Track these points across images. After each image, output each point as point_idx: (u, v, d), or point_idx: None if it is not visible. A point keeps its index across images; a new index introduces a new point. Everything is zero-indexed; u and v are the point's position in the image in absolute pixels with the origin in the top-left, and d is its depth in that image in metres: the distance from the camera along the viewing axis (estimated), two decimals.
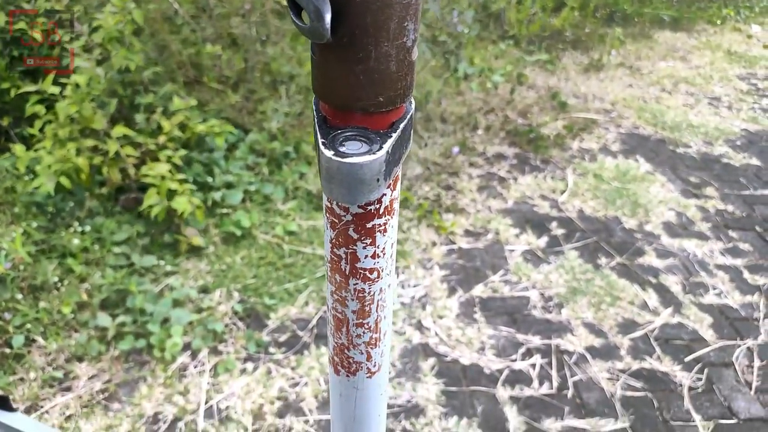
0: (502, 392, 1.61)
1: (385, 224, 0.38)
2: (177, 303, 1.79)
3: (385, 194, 0.37)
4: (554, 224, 2.34)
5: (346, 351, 0.44)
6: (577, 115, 3.28)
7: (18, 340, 1.60)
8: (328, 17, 0.31)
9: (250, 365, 1.64)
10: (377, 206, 0.37)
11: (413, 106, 0.39)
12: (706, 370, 1.72)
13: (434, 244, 2.18)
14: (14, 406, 0.80)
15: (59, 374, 1.56)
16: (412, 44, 0.34)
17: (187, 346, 1.68)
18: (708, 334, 1.85)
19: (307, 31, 0.33)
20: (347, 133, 0.35)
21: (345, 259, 0.39)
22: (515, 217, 2.38)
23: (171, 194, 1.95)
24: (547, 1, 3.96)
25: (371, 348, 0.44)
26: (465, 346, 1.75)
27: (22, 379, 1.55)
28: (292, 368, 1.64)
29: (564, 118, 3.22)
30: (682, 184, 2.70)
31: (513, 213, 2.40)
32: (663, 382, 1.68)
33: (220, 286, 1.88)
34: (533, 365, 1.70)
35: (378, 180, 0.35)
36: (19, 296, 1.70)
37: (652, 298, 1.98)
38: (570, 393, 1.63)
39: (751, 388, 1.68)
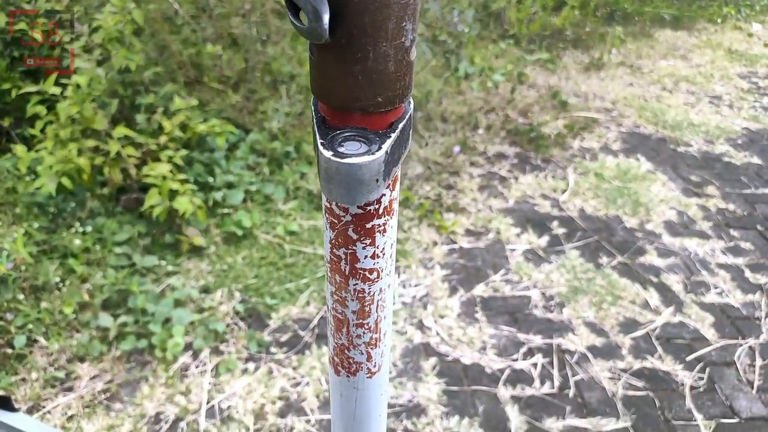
0: (504, 392, 1.61)
1: (384, 224, 0.38)
2: (178, 303, 1.79)
3: (384, 194, 0.37)
4: (555, 223, 2.34)
5: (346, 351, 0.44)
6: (578, 114, 3.27)
7: (20, 341, 1.61)
8: (326, 18, 0.31)
9: (251, 365, 1.64)
10: (376, 206, 0.37)
11: (412, 105, 0.38)
12: (707, 370, 1.72)
13: (435, 243, 2.18)
14: (16, 406, 0.80)
15: (61, 374, 1.56)
16: (411, 44, 0.34)
17: (188, 346, 1.68)
18: (709, 333, 1.85)
19: (305, 31, 0.32)
20: (346, 134, 0.35)
21: (345, 260, 0.39)
22: (516, 216, 2.38)
23: (172, 194, 1.95)
24: (547, 0, 3.96)
25: (371, 348, 0.44)
26: (466, 345, 1.75)
27: (24, 380, 1.55)
28: (294, 368, 1.64)
29: (565, 117, 3.22)
30: (683, 183, 2.70)
31: (514, 212, 2.40)
32: (664, 382, 1.67)
33: (221, 286, 1.88)
34: (534, 365, 1.70)
35: (377, 180, 0.35)
36: (21, 297, 1.70)
37: (653, 298, 1.98)
38: (571, 392, 1.63)
39: (752, 388, 1.67)
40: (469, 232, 2.26)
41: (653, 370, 1.71)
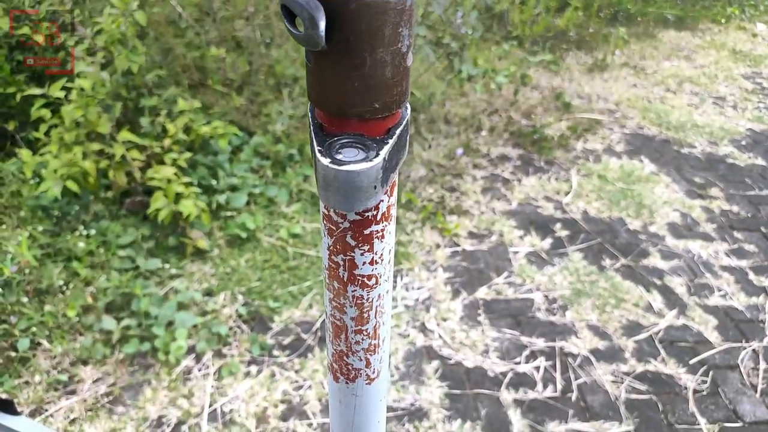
0: (506, 395, 1.61)
1: (382, 230, 0.38)
2: (182, 306, 1.79)
3: (382, 200, 0.37)
4: (558, 226, 2.34)
5: (345, 358, 0.44)
6: (581, 115, 3.27)
7: (23, 344, 1.61)
8: (322, 24, 0.31)
9: (254, 368, 1.64)
10: (374, 212, 0.37)
11: (409, 111, 0.39)
12: (711, 373, 1.71)
13: (438, 246, 2.18)
14: (19, 409, 0.80)
15: (64, 377, 1.57)
16: (407, 50, 0.34)
17: (191, 349, 1.68)
18: (713, 336, 1.84)
19: (301, 38, 0.33)
20: (343, 140, 0.35)
21: (343, 266, 0.39)
22: (519, 218, 2.37)
23: (177, 197, 1.96)
24: (550, 2, 3.96)
25: (370, 354, 0.44)
26: (469, 348, 1.75)
27: (27, 383, 1.55)
28: (296, 371, 1.64)
29: (568, 119, 3.21)
30: (686, 185, 2.69)
31: (517, 214, 2.40)
32: (668, 385, 1.67)
33: (224, 289, 1.89)
34: (537, 368, 1.70)
35: (375, 187, 0.35)
36: (25, 299, 1.71)
37: (656, 300, 1.97)
38: (574, 396, 1.62)
39: (756, 391, 1.67)
40: (472, 235, 2.26)
41: (656, 373, 1.70)
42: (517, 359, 1.72)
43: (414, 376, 1.64)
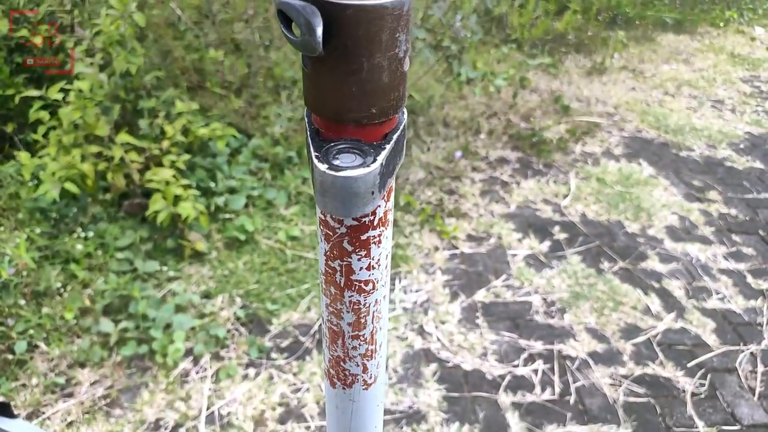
0: (504, 398, 1.61)
1: (379, 235, 0.38)
2: (179, 308, 1.79)
3: (379, 206, 0.37)
4: (557, 228, 2.34)
5: (341, 363, 0.44)
6: (580, 118, 3.27)
7: (21, 346, 1.61)
8: (319, 30, 0.31)
9: (251, 371, 1.64)
10: (371, 218, 0.37)
11: (406, 116, 0.39)
12: (709, 376, 1.71)
13: (437, 248, 2.18)
14: (16, 412, 0.80)
15: (61, 380, 1.56)
16: (404, 55, 0.34)
17: (189, 352, 1.68)
18: (711, 340, 1.85)
19: (298, 44, 0.33)
20: (340, 146, 0.35)
21: (340, 272, 0.39)
22: (518, 221, 2.37)
23: (175, 199, 1.96)
24: (549, 5, 3.97)
25: (367, 360, 0.43)
26: (467, 351, 1.75)
27: (24, 385, 1.55)
28: (294, 374, 1.64)
29: (567, 122, 3.22)
30: (685, 188, 2.69)
31: (515, 217, 2.40)
32: (666, 388, 1.67)
33: (222, 292, 1.88)
34: (535, 371, 1.70)
35: (372, 193, 0.35)
36: (22, 302, 1.70)
37: (654, 303, 1.97)
38: (572, 399, 1.62)
39: (754, 394, 1.67)
40: (470, 237, 2.26)
41: (654, 376, 1.70)
42: (516, 362, 1.72)
43: (412, 379, 1.64)
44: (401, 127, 0.37)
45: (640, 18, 4.69)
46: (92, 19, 2.14)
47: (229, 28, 2.62)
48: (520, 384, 1.65)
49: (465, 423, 1.53)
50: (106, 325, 1.68)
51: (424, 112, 2.93)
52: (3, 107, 2.22)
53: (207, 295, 1.87)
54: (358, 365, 0.44)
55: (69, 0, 2.14)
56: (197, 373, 1.62)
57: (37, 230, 1.90)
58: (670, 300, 2.00)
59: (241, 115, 2.53)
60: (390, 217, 0.39)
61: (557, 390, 1.64)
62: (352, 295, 0.40)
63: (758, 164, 2.97)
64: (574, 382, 1.67)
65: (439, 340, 1.78)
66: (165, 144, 2.05)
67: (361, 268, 0.39)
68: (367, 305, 0.41)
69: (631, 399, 1.63)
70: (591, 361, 1.74)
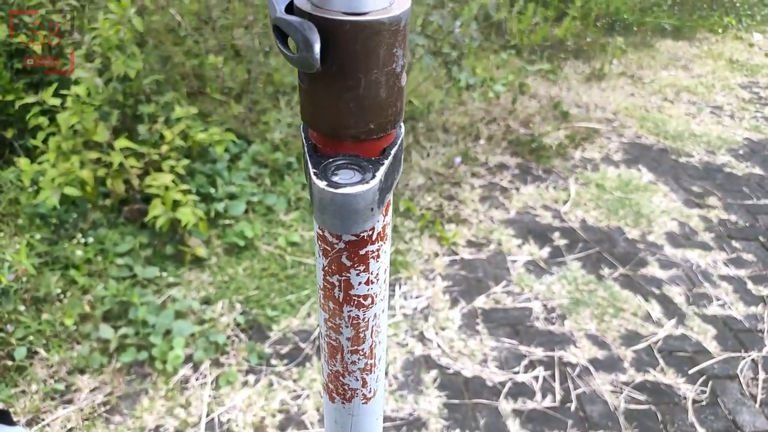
0: (505, 405, 1.60)
1: (378, 250, 0.38)
2: (179, 315, 1.79)
3: (377, 221, 0.37)
4: (557, 234, 2.34)
5: (341, 378, 0.43)
6: (579, 124, 3.28)
7: (20, 353, 1.61)
8: (317, 47, 0.31)
9: (251, 377, 1.64)
10: (370, 233, 0.37)
11: (403, 130, 0.38)
12: (710, 383, 1.71)
13: (436, 254, 2.18)
14: (15, 419, 0.80)
15: (61, 387, 1.56)
16: (401, 70, 0.34)
17: (188, 358, 1.67)
18: (712, 346, 1.84)
19: (295, 60, 0.32)
20: (339, 162, 0.35)
21: (338, 287, 0.39)
22: (517, 227, 2.37)
23: (175, 205, 1.96)
24: (548, 11, 3.98)
25: (366, 374, 0.43)
26: (467, 358, 1.75)
27: (23, 392, 1.55)
28: (294, 380, 1.63)
29: (566, 128, 3.22)
30: (684, 194, 2.69)
31: (515, 223, 2.40)
32: (667, 395, 1.66)
33: (222, 298, 1.88)
34: (536, 378, 1.70)
35: (372, 209, 0.34)
36: (22, 308, 1.70)
37: (655, 310, 1.97)
38: (573, 406, 1.62)
39: (756, 401, 1.66)
40: (470, 243, 2.26)
41: (655, 383, 1.70)
42: (516, 369, 1.72)
43: (412, 386, 1.64)
44: (399, 142, 0.37)
45: (638, 24, 4.70)
46: (91, 24, 2.14)
47: (229, 34, 2.62)
48: (520, 391, 1.65)
49: (465, 430, 1.52)
50: (105, 331, 1.68)
51: (423, 117, 2.93)
52: (3, 113, 2.22)
53: (207, 301, 1.87)
54: (357, 380, 0.43)
55: (68, 5, 2.14)
56: (197, 379, 1.62)
57: (37, 236, 1.90)
58: (671, 306, 1.99)
59: (241, 121, 2.53)
60: (388, 231, 0.39)
61: (558, 397, 1.64)
62: (351, 310, 0.40)
63: (758, 170, 2.97)
64: (575, 389, 1.67)
65: (439, 346, 1.78)
66: (164, 149, 2.05)
67: (360, 283, 0.39)
68: (366, 320, 0.41)
69: (632, 406, 1.62)
70: (592, 368, 1.73)
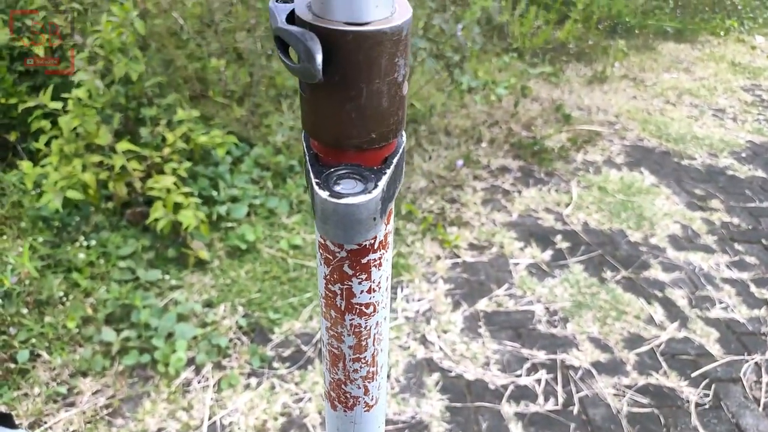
0: (507, 408, 1.60)
1: (380, 258, 0.39)
2: (181, 317, 1.79)
3: (380, 230, 0.37)
4: (559, 237, 2.34)
5: (343, 386, 0.44)
6: (581, 127, 3.28)
7: (23, 355, 1.61)
8: (319, 57, 0.31)
9: (254, 380, 1.64)
10: (372, 241, 0.37)
11: (405, 139, 0.39)
12: (713, 386, 1.71)
13: (438, 257, 2.18)
14: (18, 422, 0.80)
15: (63, 389, 1.56)
16: (403, 79, 0.34)
17: (191, 361, 1.68)
18: (715, 349, 1.84)
19: (297, 70, 0.32)
20: (341, 171, 0.35)
21: (340, 295, 0.39)
22: (520, 230, 2.37)
23: (176, 207, 1.96)
24: (550, 14, 3.98)
25: (368, 382, 0.43)
26: (469, 361, 1.74)
27: (26, 395, 1.55)
28: (296, 383, 1.63)
29: (568, 131, 3.22)
30: (687, 197, 2.69)
31: (517, 226, 2.40)
32: (670, 398, 1.66)
33: (224, 301, 1.88)
34: (538, 381, 1.69)
35: (375, 219, 0.34)
36: (25, 311, 1.70)
37: (658, 312, 1.97)
38: (576, 409, 1.61)
39: (759, 405, 1.66)
40: (472, 246, 2.26)
41: (658, 386, 1.70)
42: (518, 372, 1.72)
43: (414, 389, 1.64)
44: (401, 151, 0.37)
45: (640, 27, 4.70)
46: (93, 26, 2.15)
47: (232, 38, 2.63)
48: (523, 394, 1.65)
49: None
50: (108, 334, 1.68)
51: (425, 120, 2.93)
52: (6, 116, 2.23)
53: (209, 304, 1.87)
54: (359, 387, 0.43)
55: (70, 8, 2.15)
56: (199, 382, 1.62)
57: (40, 239, 1.91)
58: (674, 309, 1.99)
59: (243, 124, 2.54)
60: (390, 239, 0.39)
61: (560, 400, 1.64)
62: (353, 319, 0.40)
63: (760, 173, 2.96)
64: (578, 392, 1.67)
65: (441, 349, 1.78)
66: (166, 151, 2.06)
67: (362, 292, 0.39)
68: (368, 328, 0.41)
69: (635, 409, 1.62)
70: (594, 371, 1.73)
